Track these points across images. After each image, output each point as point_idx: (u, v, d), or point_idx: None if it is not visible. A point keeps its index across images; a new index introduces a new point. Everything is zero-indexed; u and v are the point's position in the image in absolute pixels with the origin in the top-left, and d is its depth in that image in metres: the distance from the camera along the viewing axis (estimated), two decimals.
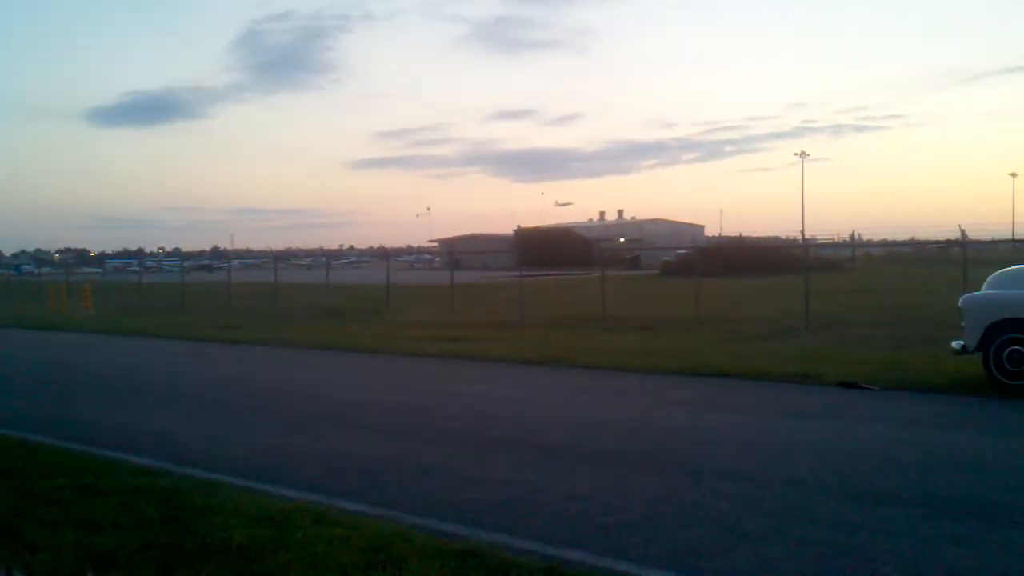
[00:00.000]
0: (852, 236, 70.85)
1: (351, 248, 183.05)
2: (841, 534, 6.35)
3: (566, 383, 15.01)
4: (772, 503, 7.25)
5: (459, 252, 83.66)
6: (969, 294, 13.69)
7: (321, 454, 9.63)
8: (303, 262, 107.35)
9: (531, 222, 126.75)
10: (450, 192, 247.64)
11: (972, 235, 42.57)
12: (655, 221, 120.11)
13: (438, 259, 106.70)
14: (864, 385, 13.18)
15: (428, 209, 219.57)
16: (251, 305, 35.78)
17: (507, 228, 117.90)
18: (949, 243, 39.04)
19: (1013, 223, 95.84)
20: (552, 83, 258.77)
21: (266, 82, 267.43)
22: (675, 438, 10.08)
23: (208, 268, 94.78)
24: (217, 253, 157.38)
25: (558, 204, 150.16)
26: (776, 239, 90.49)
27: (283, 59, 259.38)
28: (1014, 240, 47.39)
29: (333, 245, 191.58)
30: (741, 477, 8.15)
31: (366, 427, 11.29)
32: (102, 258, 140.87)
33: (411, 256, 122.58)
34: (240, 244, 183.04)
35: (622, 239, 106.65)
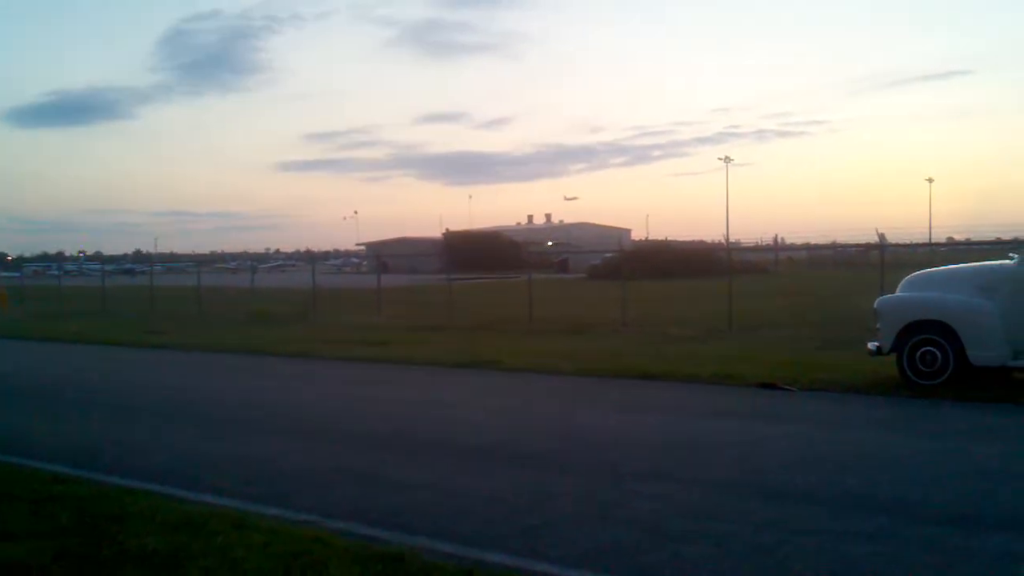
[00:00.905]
0: (775, 239, 71.99)
1: (277, 251, 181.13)
2: (757, 532, 6.47)
3: (492, 386, 15.04)
4: (692, 503, 7.36)
5: (387, 255, 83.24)
6: (884, 296, 14.05)
7: (243, 459, 9.53)
8: (228, 266, 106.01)
9: (460, 225, 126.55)
10: (379, 195, 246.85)
11: (891, 239, 43.59)
12: (583, 225, 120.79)
13: (365, 262, 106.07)
14: (783, 386, 13.42)
15: (356, 212, 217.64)
16: (175, 309, 35.23)
17: (436, 231, 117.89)
18: (868, 246, 39.85)
19: (930, 227, 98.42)
20: (482, 87, 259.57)
21: (193, 83, 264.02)
22: (599, 440, 10.15)
23: (131, 272, 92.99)
24: (140, 256, 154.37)
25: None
26: (701, 242, 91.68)
27: (210, 59, 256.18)
28: (931, 244, 48.58)
29: (259, 248, 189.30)
30: (662, 477, 8.26)
31: (290, 432, 11.20)
32: (20, 262, 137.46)
33: (338, 259, 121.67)
34: (164, 247, 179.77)
35: (550, 243, 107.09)
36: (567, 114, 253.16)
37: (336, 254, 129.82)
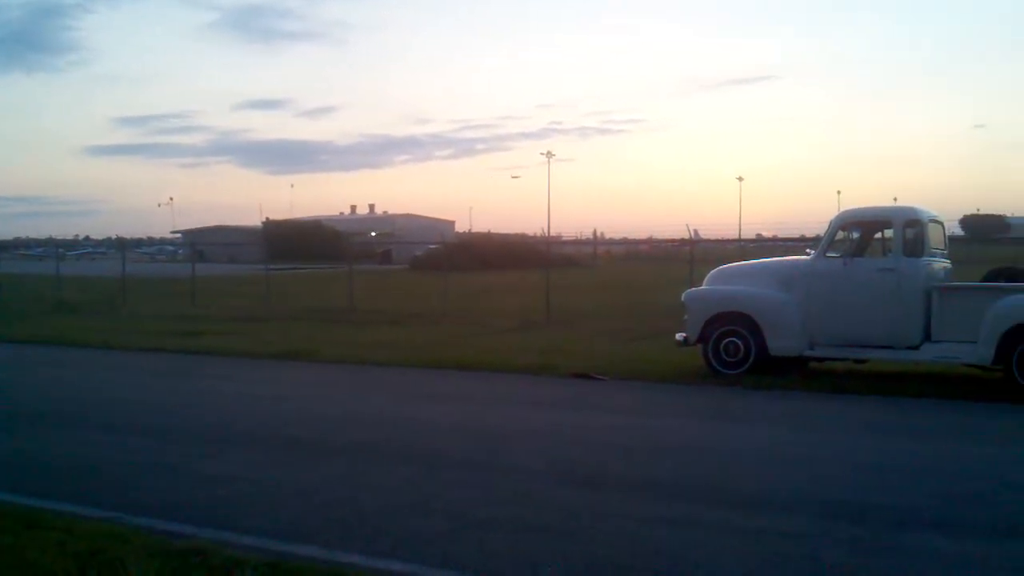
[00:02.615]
0: (594, 234, 73.78)
1: (87, 238, 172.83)
2: (564, 519, 6.62)
3: (310, 377, 14.85)
4: (502, 491, 7.46)
5: (203, 244, 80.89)
6: (691, 290, 14.63)
7: (38, 454, 9.08)
8: (32, 252, 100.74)
9: (281, 214, 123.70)
10: (197, 182, 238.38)
11: (705, 235, 45.36)
12: (406, 216, 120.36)
13: (181, 251, 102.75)
14: (596, 376, 13.78)
15: (171, 199, 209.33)
16: None
17: (256, 220, 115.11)
18: (682, 242, 41.28)
19: (740, 223, 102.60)
20: (306, 74, 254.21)
21: None
22: (414, 430, 10.19)
23: None
24: None
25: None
26: (523, 236, 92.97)
27: (16, 37, 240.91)
28: (740, 240, 50.76)
29: (67, 235, 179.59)
30: (474, 466, 8.37)
31: (93, 426, 10.72)
32: None
33: (152, 247, 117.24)
34: None
35: (373, 233, 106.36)
36: (393, 105, 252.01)
37: (150, 242, 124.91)
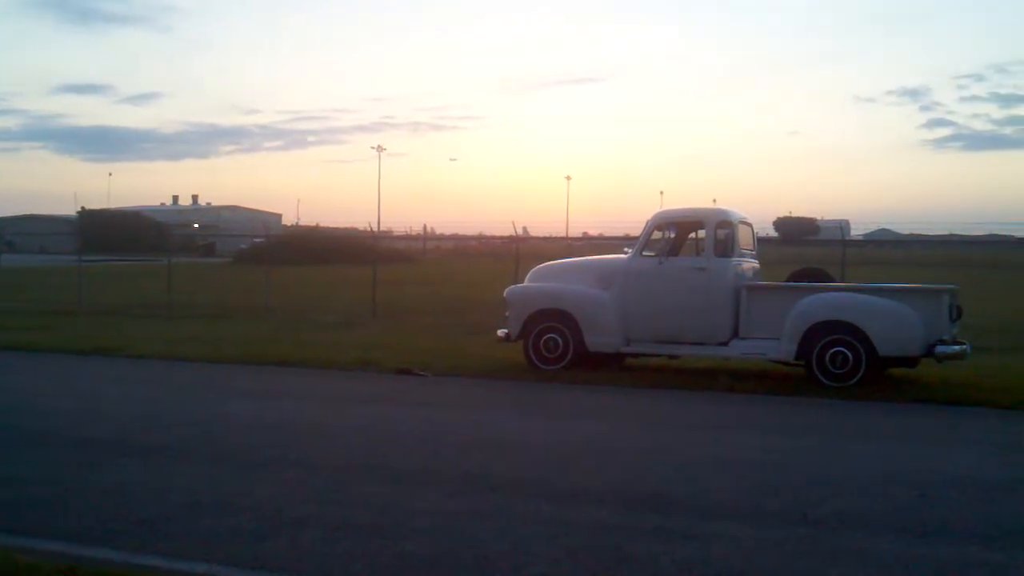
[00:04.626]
0: (424, 229, 73.61)
1: None
2: (377, 515, 6.60)
3: (120, 374, 14.32)
4: (316, 489, 7.38)
5: (12, 233, 76.76)
6: (512, 286, 14.83)
7: None
8: None
9: (98, 204, 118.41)
10: (7, 168, 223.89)
11: (534, 232, 45.83)
12: (232, 208, 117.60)
13: None
14: (417, 372, 13.80)
15: None
16: None
17: (71, 209, 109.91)
18: (510, 239, 41.67)
19: (567, 221, 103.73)
20: (129, 59, 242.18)
21: None
22: (228, 427, 9.96)
23: None
24: None
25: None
26: (353, 230, 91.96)
27: None
28: (568, 238, 51.60)
29: None
30: (289, 464, 8.23)
31: None
32: None
33: None
34: None
35: (196, 225, 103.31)
36: (220, 94, 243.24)
37: None
